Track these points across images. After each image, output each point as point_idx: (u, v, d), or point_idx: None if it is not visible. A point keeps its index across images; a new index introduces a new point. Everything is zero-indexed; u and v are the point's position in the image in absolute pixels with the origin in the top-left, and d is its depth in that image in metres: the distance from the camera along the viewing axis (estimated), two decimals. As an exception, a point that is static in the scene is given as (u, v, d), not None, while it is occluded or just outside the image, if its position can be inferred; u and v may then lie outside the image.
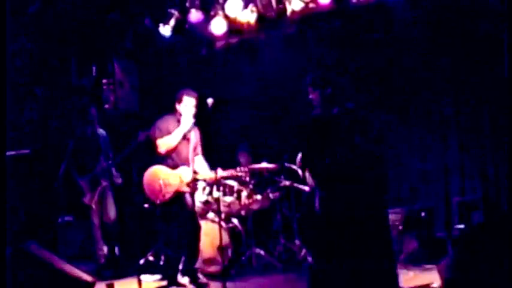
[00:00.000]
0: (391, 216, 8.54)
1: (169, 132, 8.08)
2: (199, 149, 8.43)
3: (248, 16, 9.90)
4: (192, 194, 8.26)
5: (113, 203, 9.37)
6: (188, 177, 8.12)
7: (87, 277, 7.34)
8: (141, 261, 9.21)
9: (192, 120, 8.16)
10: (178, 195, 8.08)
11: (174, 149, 8.13)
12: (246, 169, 8.87)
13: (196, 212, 8.63)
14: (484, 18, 8.78)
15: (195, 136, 8.33)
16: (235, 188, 9.18)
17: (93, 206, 9.16)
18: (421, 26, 9.51)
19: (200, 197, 9.10)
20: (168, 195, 8.03)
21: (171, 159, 8.15)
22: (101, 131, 9.42)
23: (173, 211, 8.21)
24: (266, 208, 9.35)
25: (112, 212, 9.34)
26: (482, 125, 9.21)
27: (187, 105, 8.15)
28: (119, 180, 9.44)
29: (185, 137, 8.18)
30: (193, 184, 8.29)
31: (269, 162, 9.28)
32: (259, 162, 9.36)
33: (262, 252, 9.02)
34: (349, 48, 9.92)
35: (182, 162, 8.15)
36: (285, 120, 10.27)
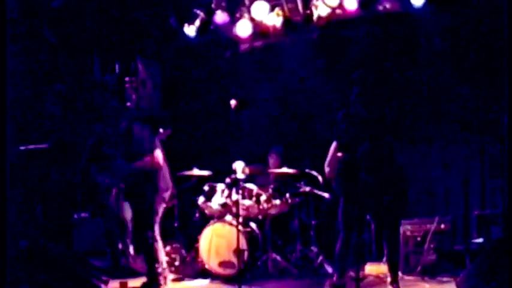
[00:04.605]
0: (410, 227, 8.57)
1: None
2: None
3: (274, 20, 9.86)
4: None
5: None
6: None
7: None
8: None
9: None
10: None
11: None
12: None
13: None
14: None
15: None
16: (254, 192, 9.14)
17: (110, 204, 9.14)
18: (446, 36, 9.48)
19: (218, 199, 9.09)
20: None
21: None
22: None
23: None
24: (284, 213, 9.32)
25: (128, 210, 9.31)
26: (505, 139, 9.14)
27: None
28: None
29: None
30: None
31: (290, 167, 9.25)
32: (282, 167, 9.37)
33: (278, 257, 8.97)
34: (373, 55, 9.89)
35: None
36: (307, 125, 10.25)
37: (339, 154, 7.26)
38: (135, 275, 8.86)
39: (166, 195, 8.15)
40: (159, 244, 8.05)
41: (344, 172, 7.20)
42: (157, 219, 8.05)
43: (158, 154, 7.85)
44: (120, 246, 9.31)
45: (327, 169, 7.48)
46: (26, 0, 9.96)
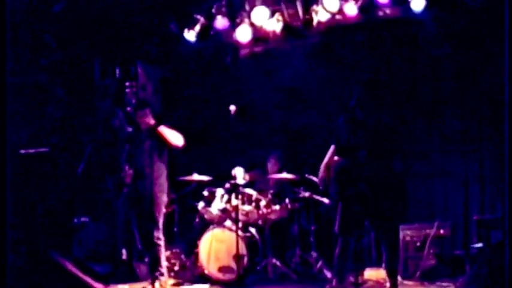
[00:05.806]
0: (410, 232, 8.57)
1: None
2: None
3: (274, 25, 9.87)
4: None
5: None
6: None
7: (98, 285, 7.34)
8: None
9: None
10: None
11: None
12: None
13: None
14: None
15: None
16: (254, 197, 9.14)
17: (118, 207, 9.14)
18: (446, 42, 9.47)
19: (218, 204, 9.10)
20: None
21: None
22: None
23: None
24: (284, 218, 9.31)
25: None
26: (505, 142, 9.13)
27: None
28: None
29: None
30: None
31: (289, 172, 9.25)
32: (280, 172, 9.37)
33: (278, 262, 8.98)
34: (373, 61, 9.90)
35: None
36: (306, 130, 10.25)
37: (336, 158, 7.28)
38: (135, 280, 8.87)
39: (164, 198, 8.14)
40: (162, 247, 8.08)
41: (341, 178, 7.20)
42: (161, 218, 8.08)
43: None
44: (124, 250, 9.31)
45: (320, 173, 7.49)
46: (27, 5, 9.96)
